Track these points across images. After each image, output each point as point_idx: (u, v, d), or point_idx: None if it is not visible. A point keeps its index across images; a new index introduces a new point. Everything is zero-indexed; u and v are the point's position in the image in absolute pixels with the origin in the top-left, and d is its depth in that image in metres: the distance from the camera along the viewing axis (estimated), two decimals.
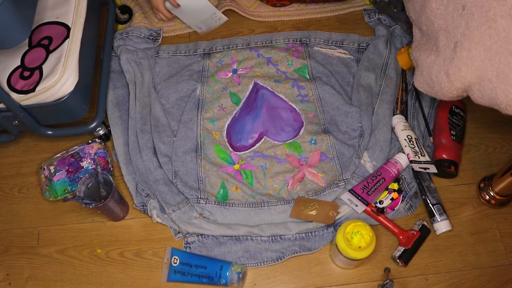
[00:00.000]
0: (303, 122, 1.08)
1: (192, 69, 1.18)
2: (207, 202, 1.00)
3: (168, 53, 1.22)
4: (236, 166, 1.05)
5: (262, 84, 1.13)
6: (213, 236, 0.98)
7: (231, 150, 1.07)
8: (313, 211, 0.96)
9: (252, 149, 1.06)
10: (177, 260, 0.94)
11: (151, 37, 1.23)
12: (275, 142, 1.07)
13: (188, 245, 0.98)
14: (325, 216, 0.95)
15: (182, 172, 1.04)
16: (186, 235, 0.98)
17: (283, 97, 1.12)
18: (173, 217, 0.98)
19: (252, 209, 0.99)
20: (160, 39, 1.23)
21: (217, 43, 1.22)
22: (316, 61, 1.17)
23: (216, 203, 1.00)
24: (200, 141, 1.08)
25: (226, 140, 1.08)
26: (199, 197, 1.01)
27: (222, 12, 1.25)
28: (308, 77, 1.15)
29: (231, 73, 1.16)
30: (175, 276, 0.94)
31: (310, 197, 0.99)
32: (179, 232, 0.99)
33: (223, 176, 1.03)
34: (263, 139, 1.07)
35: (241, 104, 1.12)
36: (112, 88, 1.15)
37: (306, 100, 1.11)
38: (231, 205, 1.00)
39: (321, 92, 1.11)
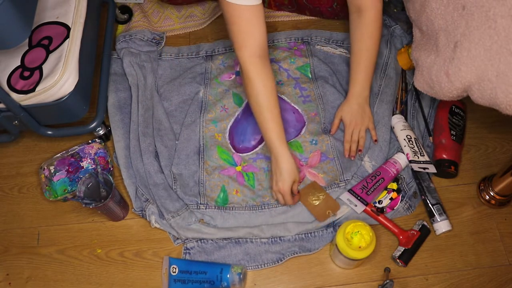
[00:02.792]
0: (305, 122, 1.08)
1: (195, 72, 1.18)
2: (207, 207, 1.00)
3: (171, 55, 1.22)
4: (238, 168, 1.04)
5: None
6: (212, 240, 0.97)
7: (234, 151, 1.06)
8: (316, 201, 0.96)
9: (254, 150, 1.06)
10: (175, 269, 0.94)
11: (154, 40, 1.23)
12: None
13: (187, 251, 0.97)
14: (321, 212, 0.96)
15: (184, 175, 1.04)
16: (185, 241, 0.98)
17: (286, 99, 1.12)
18: (172, 223, 0.97)
19: (252, 212, 0.99)
20: (163, 42, 1.23)
21: (219, 44, 1.22)
22: (319, 59, 1.17)
23: (216, 207, 1.00)
24: (203, 144, 1.07)
25: (228, 141, 1.08)
26: (199, 202, 1.00)
27: (220, 15, 1.26)
28: (310, 76, 1.15)
29: (234, 75, 1.16)
30: (175, 286, 0.93)
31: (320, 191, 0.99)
32: (178, 238, 0.99)
33: (224, 179, 1.03)
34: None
35: (243, 105, 1.12)
36: (114, 91, 1.15)
37: (308, 101, 1.11)
38: (231, 208, 1.00)
39: (322, 91, 1.11)
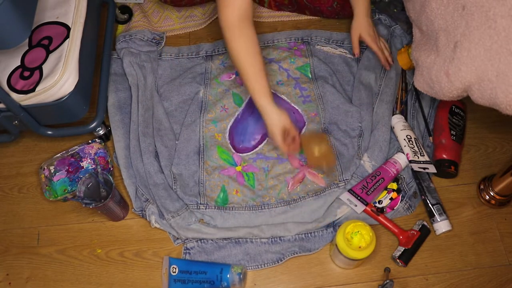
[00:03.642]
0: (305, 123, 1.08)
1: (195, 72, 1.18)
2: (207, 207, 1.00)
3: (171, 55, 1.22)
4: (238, 168, 1.04)
5: None
6: (212, 240, 0.97)
7: (234, 151, 1.06)
8: (316, 151, 0.99)
9: (254, 150, 1.06)
10: (175, 269, 0.94)
11: (154, 40, 1.23)
12: None
13: (187, 251, 0.97)
14: (318, 162, 1.00)
15: (184, 175, 1.04)
16: (185, 241, 0.98)
17: (286, 98, 1.12)
18: (172, 223, 0.97)
19: (252, 212, 0.99)
20: (163, 42, 1.23)
21: (219, 44, 1.22)
22: (319, 59, 1.17)
23: (216, 207, 1.00)
24: (203, 144, 1.07)
25: (228, 141, 1.08)
26: (199, 202, 1.00)
27: None
28: (310, 76, 1.15)
29: (234, 75, 1.16)
30: (175, 286, 0.93)
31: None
32: (177, 238, 0.99)
33: (224, 179, 1.03)
34: (266, 140, 1.07)
35: (243, 105, 1.12)
36: (114, 91, 1.15)
37: (308, 101, 1.11)
38: (231, 208, 1.00)
39: (322, 91, 1.11)
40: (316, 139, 1.02)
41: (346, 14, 1.20)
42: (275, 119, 0.94)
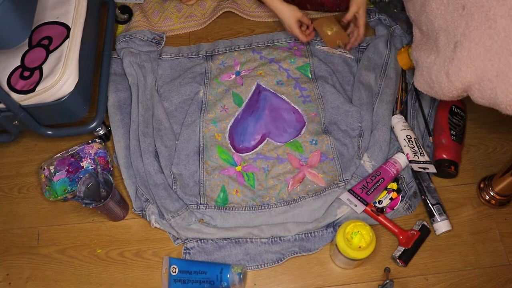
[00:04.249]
0: (305, 123, 1.08)
1: (195, 72, 1.18)
2: (207, 207, 1.00)
3: (171, 55, 1.22)
4: (238, 168, 1.04)
5: (264, 86, 1.13)
6: (212, 240, 0.97)
7: (234, 151, 1.06)
8: (329, 32, 1.12)
9: (254, 150, 1.06)
10: (175, 269, 0.94)
11: (154, 40, 1.23)
12: (278, 143, 1.06)
13: (187, 251, 0.97)
14: (333, 41, 1.13)
15: (184, 175, 1.04)
16: (185, 241, 0.98)
17: (286, 98, 1.12)
18: (172, 223, 0.97)
19: (252, 212, 0.99)
20: (163, 42, 1.23)
21: (219, 44, 1.22)
22: (319, 59, 1.17)
23: (216, 207, 1.00)
24: (203, 144, 1.07)
25: (228, 141, 1.08)
26: (199, 202, 1.00)
27: (221, 14, 1.26)
28: (310, 76, 1.15)
29: (234, 75, 1.16)
30: (175, 286, 0.93)
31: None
32: (178, 238, 0.99)
33: (224, 179, 1.03)
34: (266, 140, 1.07)
35: (243, 105, 1.12)
36: (114, 91, 1.15)
37: (308, 101, 1.11)
38: (231, 208, 1.00)
39: (322, 91, 1.11)
40: (327, 21, 1.14)
41: (346, 6, 1.20)
42: (288, 13, 1.09)
